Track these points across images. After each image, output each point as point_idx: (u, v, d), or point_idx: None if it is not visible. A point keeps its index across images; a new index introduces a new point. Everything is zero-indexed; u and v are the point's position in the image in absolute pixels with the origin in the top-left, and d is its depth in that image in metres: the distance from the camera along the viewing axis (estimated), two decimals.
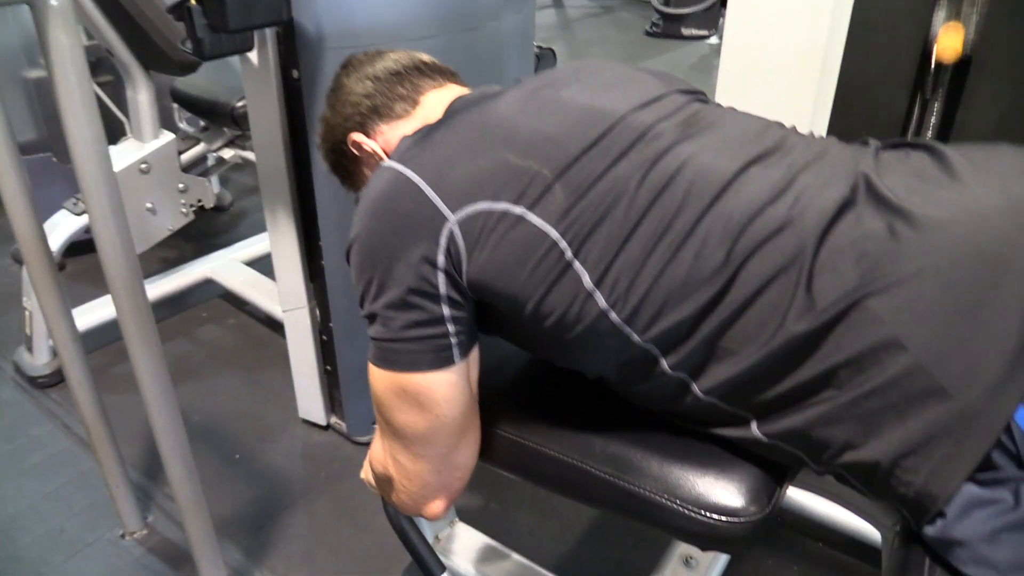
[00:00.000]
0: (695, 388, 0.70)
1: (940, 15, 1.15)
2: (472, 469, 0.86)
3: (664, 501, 0.71)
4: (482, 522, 1.35)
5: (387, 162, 0.79)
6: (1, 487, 1.59)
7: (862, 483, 0.65)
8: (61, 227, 1.83)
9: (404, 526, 1.14)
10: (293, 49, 1.29)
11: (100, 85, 2.06)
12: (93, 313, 1.91)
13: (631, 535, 1.44)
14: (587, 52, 4.77)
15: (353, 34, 1.29)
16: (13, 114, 2.30)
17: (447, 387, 0.76)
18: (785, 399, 0.66)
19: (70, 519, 1.51)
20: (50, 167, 2.25)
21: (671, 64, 4.27)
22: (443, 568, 1.15)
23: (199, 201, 2.00)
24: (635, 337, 0.70)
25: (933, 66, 1.17)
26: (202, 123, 2.18)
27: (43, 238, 1.15)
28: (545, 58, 2.09)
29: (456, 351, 0.75)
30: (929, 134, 1.21)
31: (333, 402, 1.71)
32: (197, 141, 2.01)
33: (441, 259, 0.72)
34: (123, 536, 1.47)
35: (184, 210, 1.98)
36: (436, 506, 0.85)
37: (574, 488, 0.79)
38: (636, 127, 0.75)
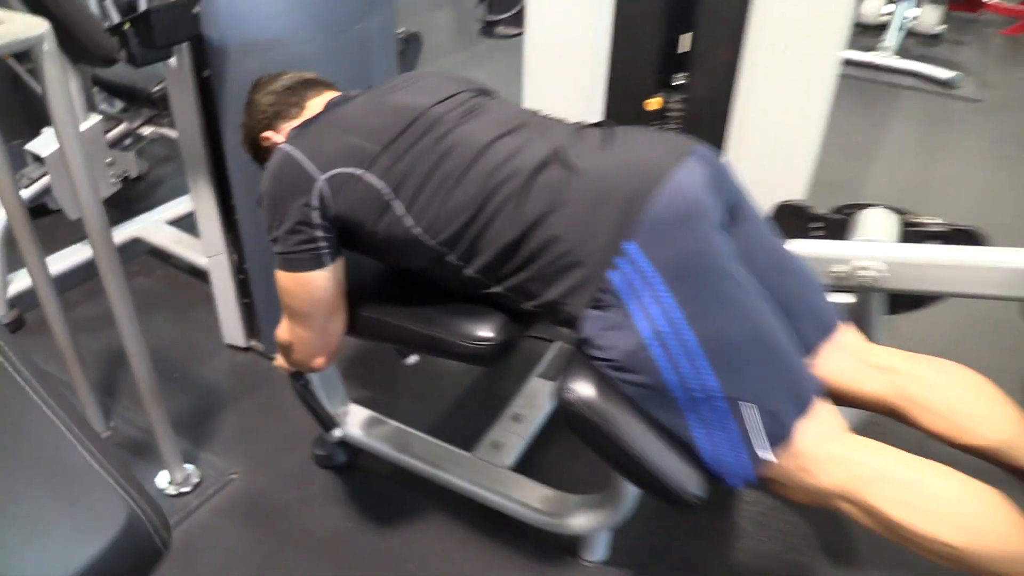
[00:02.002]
0: (467, 271, 1.20)
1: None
2: (341, 336, 1.35)
3: (451, 339, 1.22)
4: (371, 406, 1.84)
5: (281, 145, 1.25)
6: None
7: (548, 315, 1.17)
8: None
9: (307, 397, 1.61)
10: (204, 54, 1.70)
11: (30, 72, 2.37)
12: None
13: (483, 408, 1.94)
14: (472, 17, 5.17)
15: (248, 41, 1.70)
16: None
17: (321, 279, 1.24)
18: (512, 272, 1.16)
19: None
20: None
21: None
22: (337, 425, 1.64)
23: (125, 172, 2.37)
24: (431, 242, 1.18)
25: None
26: (119, 104, 2.54)
27: (23, 205, 1.55)
28: (412, 42, 2.53)
29: (326, 258, 1.23)
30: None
31: (251, 328, 2.15)
32: (120, 121, 2.37)
33: (315, 203, 1.19)
34: (101, 434, 1.89)
35: (113, 180, 2.34)
36: (319, 361, 1.35)
37: (401, 339, 1.30)
38: (433, 116, 1.23)
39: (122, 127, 2.36)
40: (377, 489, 1.76)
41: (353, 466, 1.82)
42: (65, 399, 0.80)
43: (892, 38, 4.42)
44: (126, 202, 2.81)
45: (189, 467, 1.79)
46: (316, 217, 1.20)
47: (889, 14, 4.54)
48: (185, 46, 1.70)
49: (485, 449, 1.74)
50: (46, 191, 2.22)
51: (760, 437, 1.05)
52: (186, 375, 2.10)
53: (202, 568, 1.60)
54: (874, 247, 1.39)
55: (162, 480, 1.76)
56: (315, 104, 1.37)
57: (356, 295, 1.35)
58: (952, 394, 1.19)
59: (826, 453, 1.06)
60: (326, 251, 1.23)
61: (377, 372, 2.11)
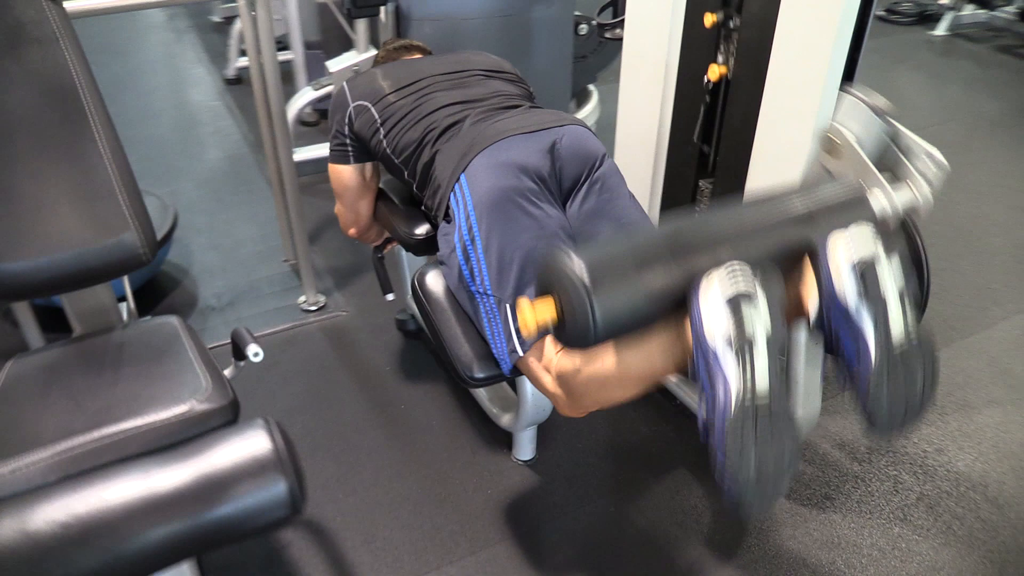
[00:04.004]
0: (414, 187, 1.72)
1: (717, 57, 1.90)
2: (368, 218, 1.96)
3: (401, 230, 1.77)
4: None
5: (343, 82, 1.88)
6: (229, 219, 2.98)
7: (439, 217, 1.62)
8: (303, 97, 3.16)
9: (376, 265, 2.24)
10: (398, 16, 2.40)
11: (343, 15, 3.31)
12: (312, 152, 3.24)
13: None
14: None
15: (427, 11, 2.35)
16: (309, 22, 3.67)
17: (347, 171, 1.86)
18: (422, 192, 1.65)
19: (264, 251, 2.85)
20: (318, 59, 3.60)
21: None
22: (391, 291, 2.26)
23: None
24: (396, 160, 1.72)
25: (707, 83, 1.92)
26: None
27: (283, 110, 2.39)
28: (608, 46, 2.89)
29: (351, 158, 1.84)
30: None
31: None
32: None
33: (347, 119, 1.80)
34: (285, 261, 2.78)
35: None
36: (352, 231, 1.98)
37: (385, 225, 1.87)
38: (429, 81, 1.74)
39: None
40: (418, 356, 2.36)
41: (416, 335, 2.44)
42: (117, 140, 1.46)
43: None
44: None
45: (321, 297, 2.57)
46: (346, 129, 1.81)
47: None
48: (388, 9, 2.41)
49: None
50: (326, 98, 3.14)
51: (516, 334, 1.41)
52: (353, 248, 2.89)
53: (294, 351, 2.37)
54: None
55: (300, 298, 2.57)
56: (405, 58, 1.96)
57: (381, 198, 1.96)
58: None
59: (558, 363, 1.34)
60: (351, 153, 1.84)
61: None
